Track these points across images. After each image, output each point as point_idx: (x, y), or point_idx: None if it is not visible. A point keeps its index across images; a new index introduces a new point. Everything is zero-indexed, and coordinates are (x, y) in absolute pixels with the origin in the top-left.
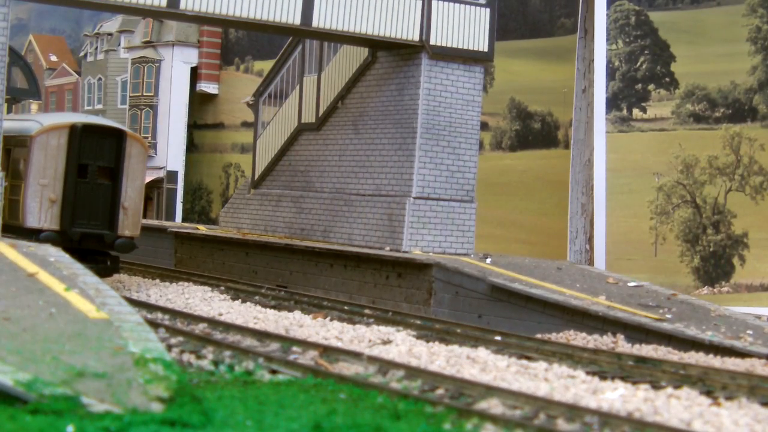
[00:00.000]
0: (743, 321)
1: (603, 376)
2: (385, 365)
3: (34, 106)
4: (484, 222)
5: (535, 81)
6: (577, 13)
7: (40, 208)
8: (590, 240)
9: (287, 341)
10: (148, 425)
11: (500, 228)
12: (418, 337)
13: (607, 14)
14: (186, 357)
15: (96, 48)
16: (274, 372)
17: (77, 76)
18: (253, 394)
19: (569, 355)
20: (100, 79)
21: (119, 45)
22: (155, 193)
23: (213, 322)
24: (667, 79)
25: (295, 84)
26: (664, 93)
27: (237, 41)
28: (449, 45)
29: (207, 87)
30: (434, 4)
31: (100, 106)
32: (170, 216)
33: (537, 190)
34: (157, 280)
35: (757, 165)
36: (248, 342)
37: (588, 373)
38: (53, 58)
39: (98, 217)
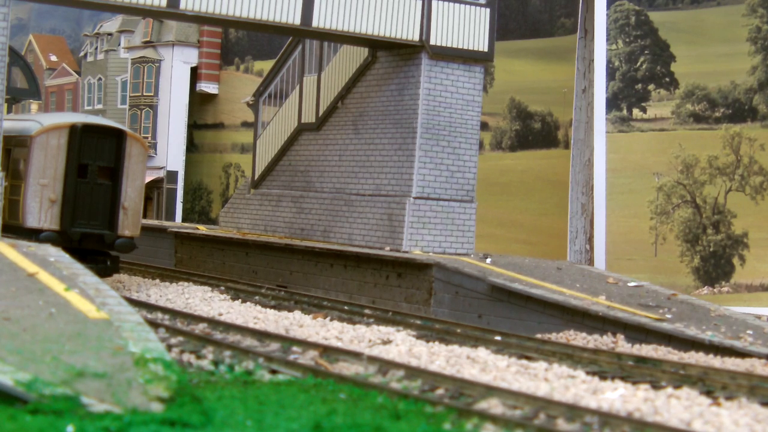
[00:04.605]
0: (743, 321)
1: (603, 376)
2: (385, 365)
3: (34, 106)
4: (484, 222)
5: (535, 81)
6: (577, 13)
7: (40, 208)
8: (590, 240)
9: (287, 341)
10: (148, 425)
11: (500, 228)
12: (418, 337)
13: (607, 14)
14: (186, 357)
15: (96, 48)
16: (274, 372)
17: (77, 76)
18: (253, 394)
19: (569, 355)
20: (100, 79)
21: (119, 45)
22: (155, 193)
23: (213, 322)
24: (667, 79)
25: (295, 84)
26: (664, 93)
27: (237, 41)
28: (449, 45)
29: (207, 87)
30: (434, 4)
31: (100, 106)
32: (170, 216)
33: (537, 190)
34: (157, 280)
35: (757, 165)
36: (248, 342)
37: (588, 373)
38: (53, 58)
39: (98, 217)
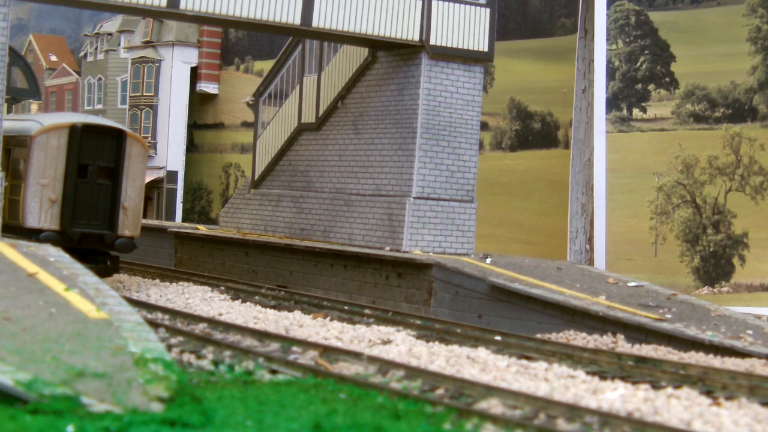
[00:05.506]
0: (743, 321)
1: (603, 376)
2: (385, 365)
3: (34, 106)
4: (484, 222)
5: (535, 81)
6: (577, 13)
7: (40, 208)
8: (590, 240)
9: (287, 341)
10: (148, 425)
11: (500, 228)
12: (418, 337)
13: (607, 14)
14: (186, 357)
15: (96, 48)
16: (274, 372)
17: (77, 76)
18: (253, 394)
19: (569, 355)
20: (100, 79)
21: (119, 45)
22: (155, 193)
23: (213, 322)
24: (667, 79)
25: (295, 84)
26: (664, 93)
27: (237, 41)
28: (449, 45)
29: (207, 87)
30: (434, 4)
31: (100, 106)
32: (170, 216)
33: (537, 190)
34: (157, 280)
35: (757, 165)
36: (248, 342)
37: (588, 373)
38: (53, 58)
39: (98, 217)
